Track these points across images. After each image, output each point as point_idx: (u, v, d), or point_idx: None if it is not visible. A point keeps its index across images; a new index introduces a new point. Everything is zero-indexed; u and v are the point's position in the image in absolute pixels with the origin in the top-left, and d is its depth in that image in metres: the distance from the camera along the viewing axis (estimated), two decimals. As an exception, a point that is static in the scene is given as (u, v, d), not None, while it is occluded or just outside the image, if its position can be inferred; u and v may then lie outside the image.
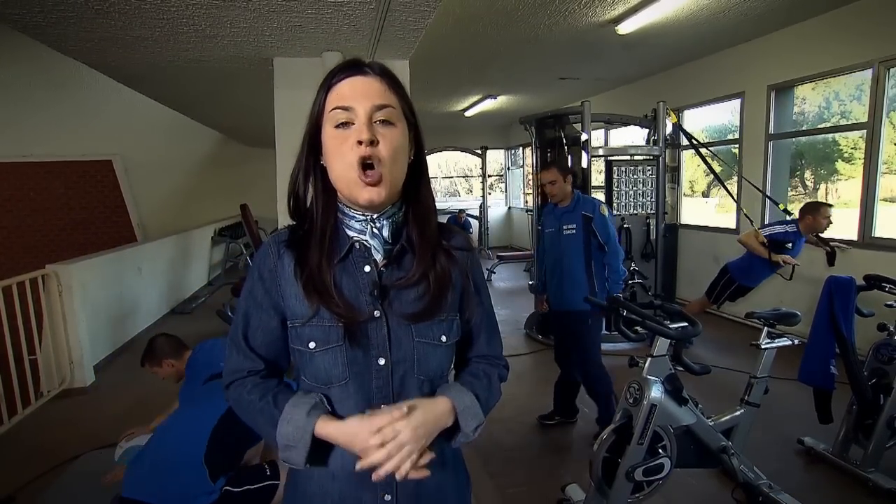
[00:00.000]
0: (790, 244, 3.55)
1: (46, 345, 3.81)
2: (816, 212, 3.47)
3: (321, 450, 0.82)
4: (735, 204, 4.57)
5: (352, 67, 0.81)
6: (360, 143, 0.77)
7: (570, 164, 3.38)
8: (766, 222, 3.82)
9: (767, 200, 4.60)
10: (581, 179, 4.28)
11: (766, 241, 3.54)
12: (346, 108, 0.79)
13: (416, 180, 0.87)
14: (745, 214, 3.84)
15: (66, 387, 3.82)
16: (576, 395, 3.12)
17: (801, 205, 3.60)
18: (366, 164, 0.78)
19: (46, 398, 3.62)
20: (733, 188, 5.19)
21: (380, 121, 0.79)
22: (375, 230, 0.84)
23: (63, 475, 2.68)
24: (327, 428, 0.79)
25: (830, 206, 3.51)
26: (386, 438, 0.74)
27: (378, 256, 0.85)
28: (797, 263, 3.61)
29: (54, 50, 3.27)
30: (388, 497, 0.85)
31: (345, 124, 0.79)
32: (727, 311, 5.11)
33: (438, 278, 0.86)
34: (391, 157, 0.79)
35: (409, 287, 0.85)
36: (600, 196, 4.90)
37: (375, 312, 0.83)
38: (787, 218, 3.68)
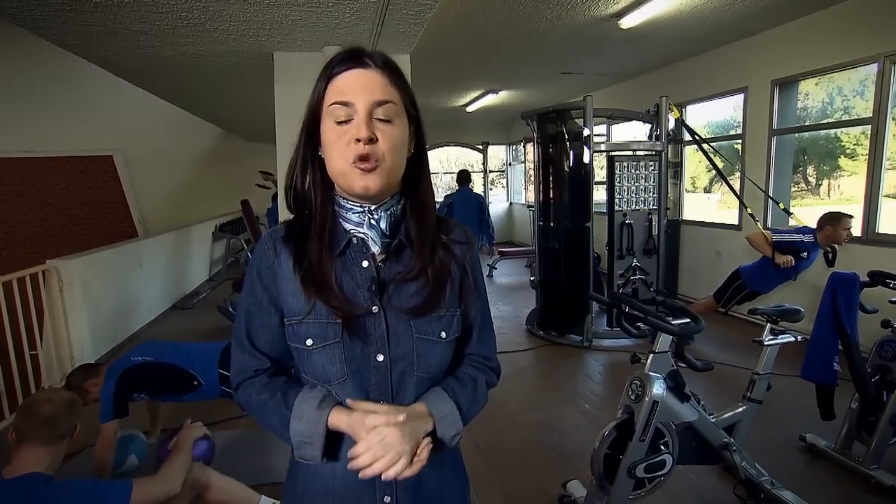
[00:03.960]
0: (805, 253, 3.51)
1: (47, 340, 3.81)
2: (837, 223, 3.41)
3: (336, 443, 0.81)
4: (738, 200, 4.55)
5: (353, 59, 0.79)
6: (358, 140, 0.76)
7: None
8: (781, 229, 3.73)
9: (770, 196, 4.58)
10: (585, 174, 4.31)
11: (769, 235, 3.53)
12: (345, 104, 0.77)
13: (416, 174, 0.86)
14: (750, 214, 3.80)
15: (68, 382, 3.82)
16: None
17: (820, 215, 3.52)
18: (362, 159, 0.77)
19: (48, 393, 3.62)
20: (736, 184, 5.17)
21: (380, 116, 0.78)
22: (373, 221, 0.82)
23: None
24: (339, 419, 0.78)
25: (851, 217, 3.45)
26: (371, 443, 0.74)
27: (375, 249, 0.83)
28: (792, 264, 3.61)
29: (54, 44, 3.26)
30: (387, 499, 0.84)
31: (344, 118, 0.78)
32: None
33: (437, 272, 0.85)
34: (390, 153, 0.78)
35: (407, 282, 0.84)
36: (602, 191, 4.91)
37: (374, 308, 0.82)
38: (802, 225, 3.62)
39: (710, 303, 4.12)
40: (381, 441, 0.74)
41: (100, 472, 2.18)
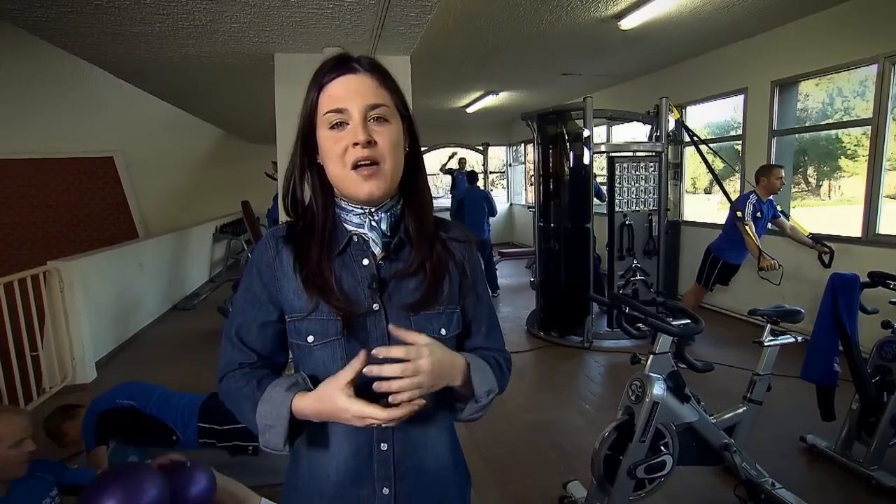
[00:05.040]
0: (759, 213, 3.77)
1: (48, 341, 3.81)
2: (769, 173, 3.77)
3: (306, 432, 0.82)
4: (730, 202, 4.54)
5: (341, 65, 0.81)
6: (356, 144, 0.77)
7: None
8: (741, 206, 3.83)
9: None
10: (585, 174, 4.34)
11: (752, 227, 3.72)
12: (339, 111, 0.78)
13: (413, 173, 0.87)
14: (739, 216, 3.82)
15: (68, 383, 3.82)
16: None
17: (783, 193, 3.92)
18: (363, 165, 0.78)
19: (48, 395, 3.62)
20: (736, 185, 5.17)
21: (374, 118, 0.79)
22: (374, 223, 0.83)
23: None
24: (304, 401, 0.76)
25: (781, 167, 3.82)
26: (406, 371, 0.72)
27: (376, 249, 0.84)
28: (777, 267, 3.69)
29: (55, 46, 3.27)
30: (385, 490, 0.84)
31: (339, 124, 0.79)
32: (729, 307, 5.11)
33: (435, 267, 0.85)
34: (389, 154, 0.79)
35: (406, 277, 0.85)
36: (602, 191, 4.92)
37: (374, 305, 0.83)
38: (748, 191, 3.89)
39: (696, 289, 4.26)
40: (415, 362, 0.73)
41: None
